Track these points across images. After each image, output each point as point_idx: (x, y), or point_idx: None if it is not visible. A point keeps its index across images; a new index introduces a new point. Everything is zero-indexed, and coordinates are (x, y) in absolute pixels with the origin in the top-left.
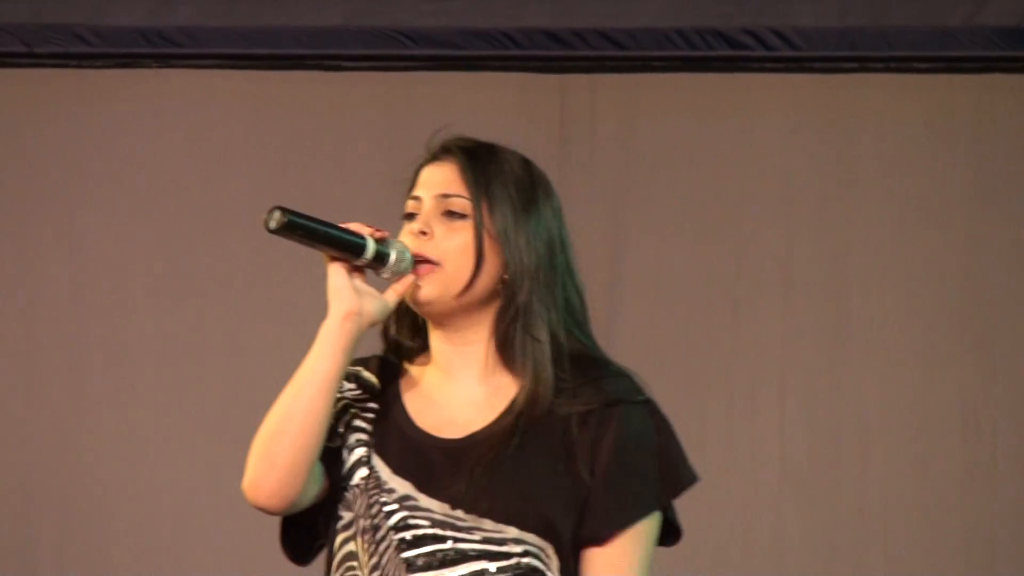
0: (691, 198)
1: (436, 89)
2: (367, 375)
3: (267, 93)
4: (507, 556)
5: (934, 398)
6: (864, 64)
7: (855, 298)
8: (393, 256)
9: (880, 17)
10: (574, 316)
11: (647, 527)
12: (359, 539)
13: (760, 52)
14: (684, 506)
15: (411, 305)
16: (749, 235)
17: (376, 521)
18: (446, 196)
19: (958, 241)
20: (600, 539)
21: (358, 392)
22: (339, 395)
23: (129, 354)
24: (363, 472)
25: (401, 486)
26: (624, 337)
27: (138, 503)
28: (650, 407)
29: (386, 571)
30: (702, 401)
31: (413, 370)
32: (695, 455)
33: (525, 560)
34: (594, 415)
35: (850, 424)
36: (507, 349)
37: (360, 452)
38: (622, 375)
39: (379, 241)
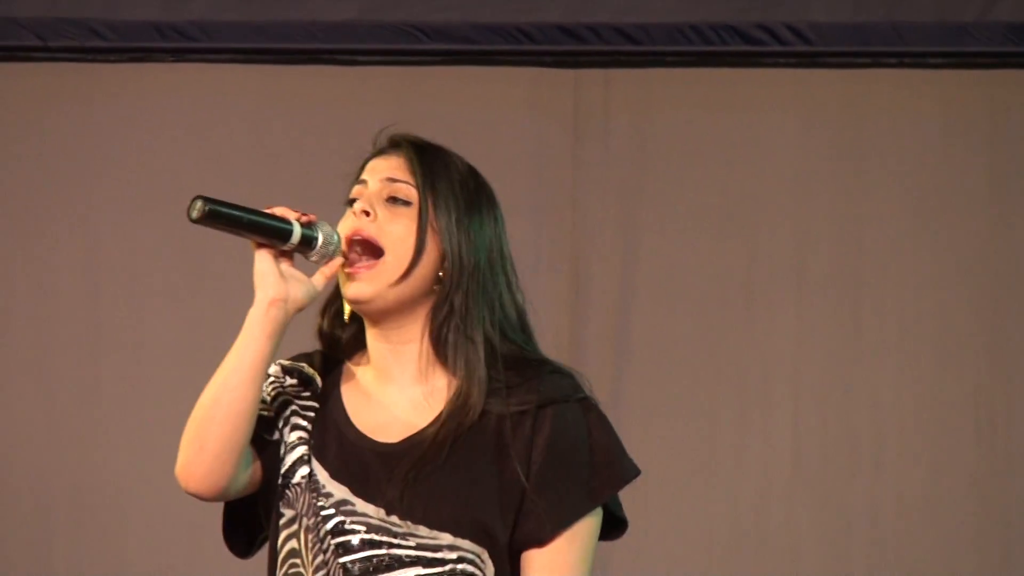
0: (704, 193)
1: (449, 84)
2: (309, 371)
3: (281, 88)
4: (441, 563)
5: (948, 394)
6: (877, 59)
7: (869, 294)
8: (320, 239)
9: (893, 12)
10: (514, 322)
11: (586, 526)
12: (302, 537)
13: (774, 47)
14: (696, 501)
15: (349, 304)
16: (762, 230)
17: (316, 522)
18: (393, 180)
19: (972, 236)
20: (539, 540)
21: (299, 388)
22: (280, 389)
23: (144, 350)
24: (304, 471)
25: (338, 491)
26: (636, 333)
27: (152, 500)
28: (585, 404)
29: (330, 571)
30: (715, 396)
31: (352, 368)
32: (707, 450)
33: (460, 567)
34: (528, 416)
35: (863, 420)
36: (442, 348)
37: (301, 451)
38: (559, 373)
39: (306, 225)
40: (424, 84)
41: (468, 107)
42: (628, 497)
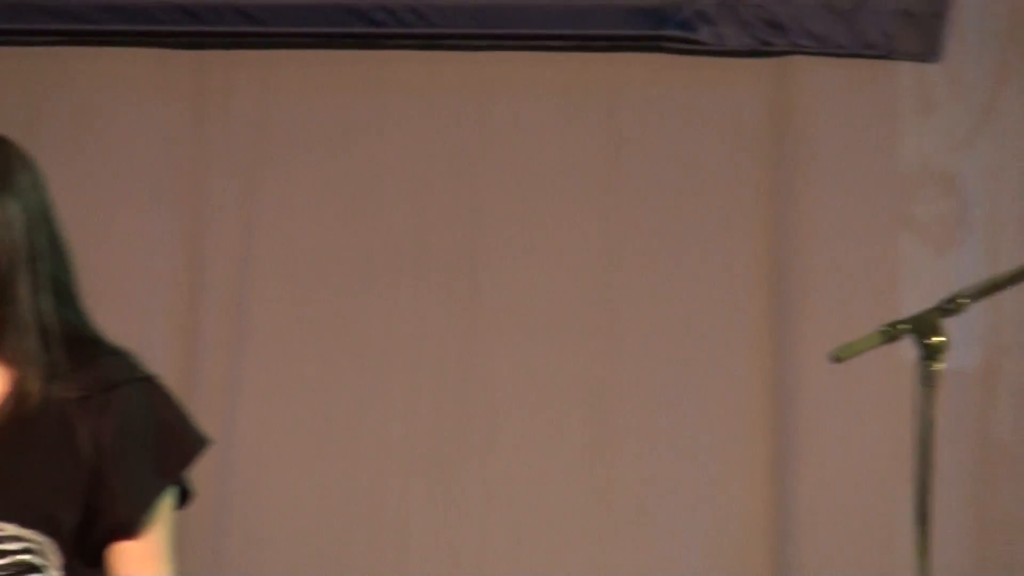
0: (326, 173)
1: (70, 64)
2: None
3: None
4: (4, 554)
5: (561, 374)
6: (498, 41)
7: (487, 274)
8: None
9: None
10: (64, 295)
11: (166, 505)
12: None
13: (396, 29)
14: (312, 483)
15: None
16: (383, 210)
17: None
18: None
19: (586, 215)
20: (125, 529)
21: None
22: None
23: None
24: None
25: None
26: (256, 315)
27: None
28: (150, 384)
29: None
30: (334, 377)
31: None
32: (323, 432)
33: (23, 557)
34: (93, 401)
35: (478, 401)
36: None
37: None
38: (117, 354)
39: None
40: (43, 65)
41: (88, 89)
42: (248, 477)
